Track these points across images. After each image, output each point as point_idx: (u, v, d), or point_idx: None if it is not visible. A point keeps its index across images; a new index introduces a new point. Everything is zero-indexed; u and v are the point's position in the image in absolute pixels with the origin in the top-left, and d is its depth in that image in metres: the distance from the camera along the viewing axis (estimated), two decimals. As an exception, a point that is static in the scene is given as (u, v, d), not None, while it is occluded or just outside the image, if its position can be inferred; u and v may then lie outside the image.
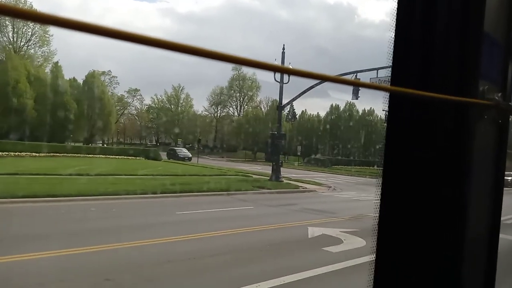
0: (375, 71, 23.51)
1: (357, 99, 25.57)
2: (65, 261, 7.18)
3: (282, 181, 25.59)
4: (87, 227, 10.21)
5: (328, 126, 66.37)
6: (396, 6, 0.95)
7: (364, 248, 9.28)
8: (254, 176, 28.41)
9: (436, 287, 0.92)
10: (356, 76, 23.13)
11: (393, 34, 0.95)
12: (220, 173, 29.02)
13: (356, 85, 0.92)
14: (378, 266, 0.99)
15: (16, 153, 31.39)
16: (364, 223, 13.00)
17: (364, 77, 23.79)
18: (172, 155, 49.01)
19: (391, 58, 0.96)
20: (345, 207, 17.00)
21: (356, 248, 9.25)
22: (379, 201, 0.99)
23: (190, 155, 48.16)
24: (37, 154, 32.74)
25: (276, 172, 25.84)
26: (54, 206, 12.86)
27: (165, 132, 80.00)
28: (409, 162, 0.94)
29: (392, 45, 0.96)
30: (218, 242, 9.21)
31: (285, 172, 34.70)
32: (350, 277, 7.27)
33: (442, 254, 0.91)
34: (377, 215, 0.99)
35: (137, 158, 40.69)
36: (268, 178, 26.14)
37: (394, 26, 0.95)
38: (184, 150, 51.79)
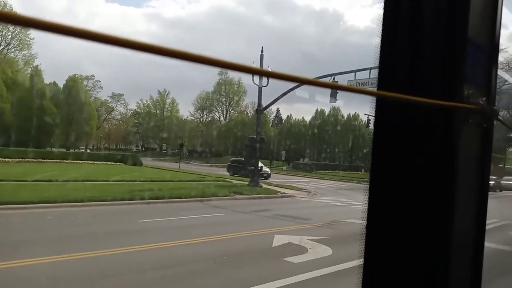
0: (353, 73, 23.14)
1: (335, 102, 25.10)
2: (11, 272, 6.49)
3: (261, 186, 24.98)
4: (35, 236, 9.46)
5: (314, 131, 66.10)
6: (383, 12, 0.96)
7: (329, 258, 8.71)
8: (234, 182, 27.77)
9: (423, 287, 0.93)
10: (334, 78, 22.74)
11: (380, 39, 0.97)
12: (198, 178, 28.31)
13: (343, 90, 0.85)
14: (366, 270, 1.00)
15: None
16: (335, 230, 12.48)
17: (342, 80, 23.42)
18: (236, 169, 35.04)
19: (377, 62, 0.98)
20: (320, 213, 16.42)
21: (320, 258, 8.67)
22: (367, 205, 1.00)
23: (269, 171, 35.85)
24: (10, 160, 31.68)
25: (255, 177, 25.23)
26: (6, 214, 12.08)
27: (151, 137, 79.10)
28: (396, 167, 0.96)
29: (379, 49, 0.97)
30: (166, 253, 8.51)
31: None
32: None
33: (429, 257, 0.92)
34: (365, 219, 1.00)
35: (117, 163, 39.75)
36: (248, 183, 25.53)
37: (381, 31, 0.97)
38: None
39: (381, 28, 0.97)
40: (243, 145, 33.85)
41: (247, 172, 28.95)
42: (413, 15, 0.93)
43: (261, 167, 31.89)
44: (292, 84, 22.47)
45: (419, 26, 0.93)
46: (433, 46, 0.92)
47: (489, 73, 1.01)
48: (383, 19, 0.96)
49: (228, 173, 35.59)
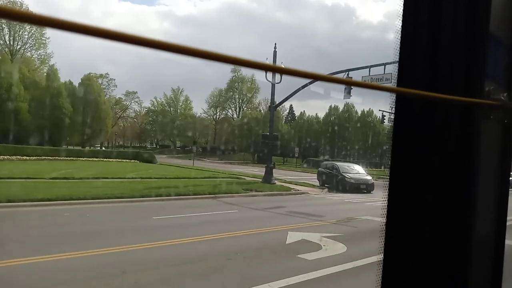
0: (367, 69, 22.91)
1: (349, 98, 24.87)
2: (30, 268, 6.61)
3: (275, 183, 24.94)
4: (49, 233, 9.62)
5: (328, 127, 65.67)
6: (402, 8, 0.96)
7: (343, 255, 8.67)
8: (248, 179, 27.79)
9: (443, 285, 0.93)
10: (348, 74, 22.54)
11: (399, 35, 0.96)
12: (212, 175, 28.42)
13: (361, 86, 0.88)
14: (386, 266, 1.00)
15: (5, 157, 30.84)
16: (349, 227, 12.40)
17: (356, 75, 23.23)
18: (330, 177, 25.98)
19: (394, 58, 0.98)
20: (334, 210, 16.33)
21: (334, 255, 8.62)
22: (386, 202, 0.99)
23: (371, 180, 24.86)
24: (28, 158, 32.24)
25: (268, 174, 25.21)
26: (24, 211, 12.30)
27: (165, 135, 79.64)
28: (416, 163, 0.95)
29: (398, 46, 0.97)
30: (180, 250, 8.54)
31: (282, 174, 34.17)
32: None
33: (449, 254, 0.92)
34: (385, 215, 1.00)
35: (132, 161, 40.14)
36: (261, 180, 25.52)
37: (400, 27, 0.96)
38: (356, 167, 27.31)
39: (400, 24, 0.97)
40: (259, 142, 32.18)
41: (346, 184, 23.76)
42: (433, 11, 0.93)
43: (351, 168, 26.42)
44: (305, 81, 22.42)
45: (439, 22, 0.93)
46: (454, 42, 0.91)
47: (510, 69, 1.00)
48: (403, 15, 0.96)
49: (318, 183, 27.03)
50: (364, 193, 23.38)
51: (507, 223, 1.06)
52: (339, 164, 28.11)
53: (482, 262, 0.99)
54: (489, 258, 1.03)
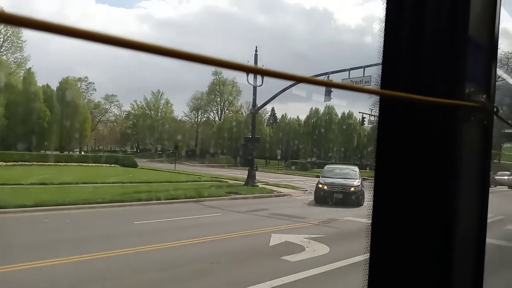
0: (347, 72, 23.20)
1: (330, 100, 25.14)
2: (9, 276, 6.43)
3: (257, 185, 24.96)
4: (32, 240, 9.39)
5: (309, 130, 66.12)
6: (385, 12, 0.98)
7: (326, 256, 8.73)
8: (230, 181, 27.73)
9: (428, 282, 0.95)
10: (328, 77, 22.79)
11: (382, 39, 0.98)
12: (194, 179, 28.24)
13: (346, 89, 0.87)
14: (372, 265, 1.02)
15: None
16: (331, 228, 12.51)
17: (336, 78, 23.47)
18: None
19: (374, 61, 1.02)
20: (317, 211, 16.46)
21: (317, 256, 8.68)
22: (372, 202, 1.01)
23: (356, 185, 18.93)
24: (5, 163, 31.44)
25: (251, 176, 25.21)
26: (2, 218, 11.99)
27: (146, 139, 78.79)
28: (400, 164, 0.97)
29: (382, 49, 0.99)
30: (163, 255, 8.47)
31: (264, 176, 34.17)
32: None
33: (432, 252, 0.94)
34: (371, 215, 1.01)
35: (112, 165, 39.57)
36: (244, 183, 25.51)
37: (383, 30, 0.98)
38: (346, 171, 21.27)
39: (383, 28, 0.99)
40: (241, 145, 31.48)
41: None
42: (415, 16, 0.96)
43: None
44: (286, 83, 22.53)
45: (421, 26, 0.95)
46: (435, 46, 0.94)
47: (489, 71, 1.03)
48: (386, 19, 0.98)
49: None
50: (340, 205, 17.64)
51: (488, 221, 1.09)
52: (333, 166, 24.11)
53: (464, 260, 1.02)
54: (472, 256, 1.05)
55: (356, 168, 21.79)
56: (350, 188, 18.78)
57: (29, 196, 14.67)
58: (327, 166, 24.33)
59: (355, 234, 10.01)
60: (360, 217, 13.43)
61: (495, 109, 1.01)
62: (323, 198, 18.75)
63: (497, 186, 32.64)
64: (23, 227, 11.18)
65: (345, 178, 19.55)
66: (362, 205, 17.59)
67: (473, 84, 0.95)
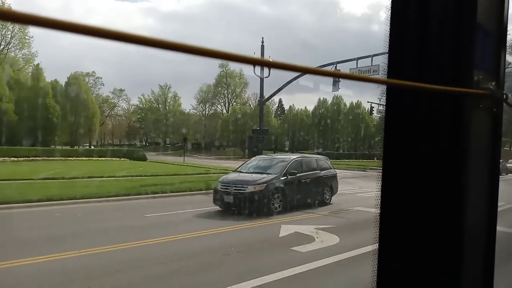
0: (355, 61, 23.00)
1: (337, 90, 24.99)
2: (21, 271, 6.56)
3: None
4: (44, 234, 9.54)
5: (317, 120, 65.91)
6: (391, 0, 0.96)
7: (336, 247, 8.75)
8: (239, 173, 27.74)
9: (437, 271, 0.95)
10: (335, 67, 22.62)
11: (388, 27, 0.97)
12: (203, 171, 28.35)
13: (353, 79, 0.89)
14: (381, 255, 1.02)
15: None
16: (341, 219, 12.51)
17: (344, 68, 23.33)
18: None
19: (382, 50, 0.99)
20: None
21: (327, 247, 8.70)
22: (380, 192, 1.01)
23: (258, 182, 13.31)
24: (16, 159, 31.84)
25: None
26: (14, 213, 12.18)
27: (154, 132, 79.19)
28: (408, 153, 0.96)
29: (388, 38, 0.97)
30: (174, 247, 8.56)
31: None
32: (312, 279, 6.72)
33: (442, 242, 0.93)
34: (379, 205, 1.01)
35: (121, 159, 39.86)
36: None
37: (389, 19, 0.97)
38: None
39: (389, 16, 0.97)
40: (249, 137, 30.64)
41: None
42: (421, 3, 0.94)
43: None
44: (293, 74, 22.42)
45: (427, 14, 0.93)
46: (442, 33, 0.93)
47: (498, 58, 1.01)
48: (391, 7, 0.97)
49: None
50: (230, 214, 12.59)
51: (498, 210, 1.08)
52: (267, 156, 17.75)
53: (474, 249, 1.01)
54: (482, 245, 1.04)
55: (297, 157, 15.36)
56: (247, 187, 12.78)
57: (40, 191, 14.85)
58: (259, 156, 18.48)
59: (364, 224, 10.01)
60: (368, 207, 13.41)
61: (504, 96, 0.99)
62: (219, 200, 13.40)
63: (509, 174, 32.32)
64: (36, 222, 11.33)
65: (260, 173, 13.75)
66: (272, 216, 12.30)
67: (482, 71, 0.94)
